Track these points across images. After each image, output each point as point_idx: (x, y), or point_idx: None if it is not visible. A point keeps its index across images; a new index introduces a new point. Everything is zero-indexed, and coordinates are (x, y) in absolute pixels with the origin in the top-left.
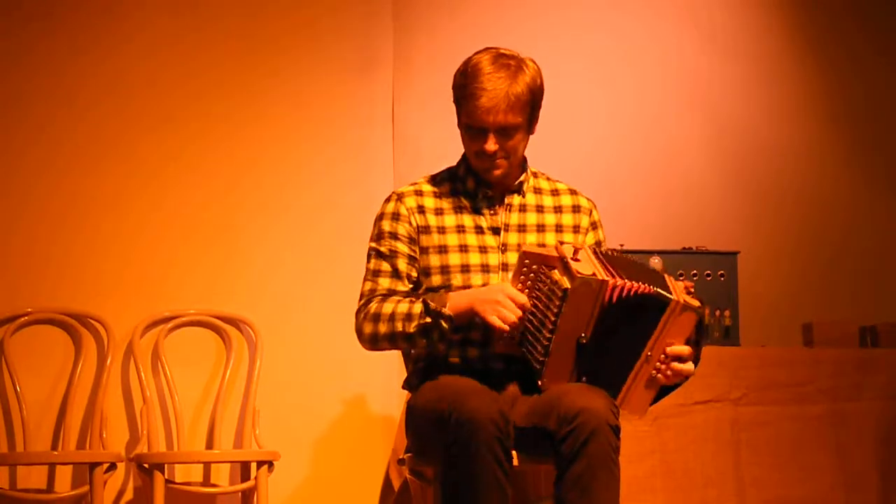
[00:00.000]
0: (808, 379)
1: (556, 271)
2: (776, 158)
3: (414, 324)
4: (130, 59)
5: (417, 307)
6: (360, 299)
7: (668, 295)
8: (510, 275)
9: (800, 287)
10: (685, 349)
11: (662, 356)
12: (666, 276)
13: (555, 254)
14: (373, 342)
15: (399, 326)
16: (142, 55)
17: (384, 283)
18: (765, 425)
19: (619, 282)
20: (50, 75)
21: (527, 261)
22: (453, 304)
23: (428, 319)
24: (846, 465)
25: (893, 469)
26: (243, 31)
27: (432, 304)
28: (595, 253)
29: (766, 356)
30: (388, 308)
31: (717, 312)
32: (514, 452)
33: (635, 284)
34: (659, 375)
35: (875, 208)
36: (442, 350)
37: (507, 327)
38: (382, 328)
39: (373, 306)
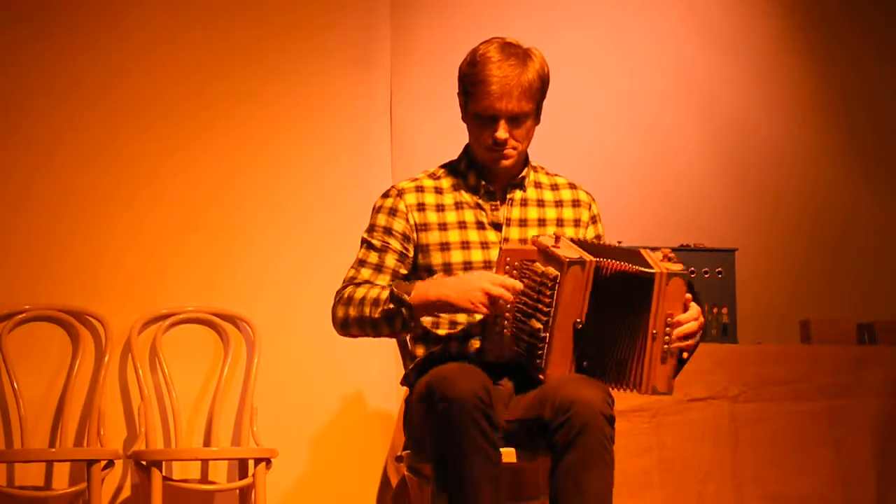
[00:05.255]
0: (806, 376)
1: (538, 263)
2: (774, 155)
3: (379, 309)
4: (127, 56)
5: (385, 293)
6: (341, 284)
7: (650, 269)
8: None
9: (798, 284)
10: (691, 314)
11: (668, 329)
12: (641, 250)
13: (534, 247)
14: (343, 326)
15: (366, 311)
16: (138, 52)
17: (365, 273)
18: (763, 422)
19: (605, 261)
20: (46, 73)
21: (507, 258)
22: (417, 292)
23: (391, 306)
24: (844, 462)
25: (891, 465)
26: (240, 27)
27: (396, 291)
28: (572, 240)
29: (763, 353)
30: (359, 293)
31: (715, 309)
32: (513, 450)
33: (618, 263)
34: (673, 348)
35: (873, 205)
36: (408, 335)
37: (484, 309)
38: (352, 312)
39: (347, 291)
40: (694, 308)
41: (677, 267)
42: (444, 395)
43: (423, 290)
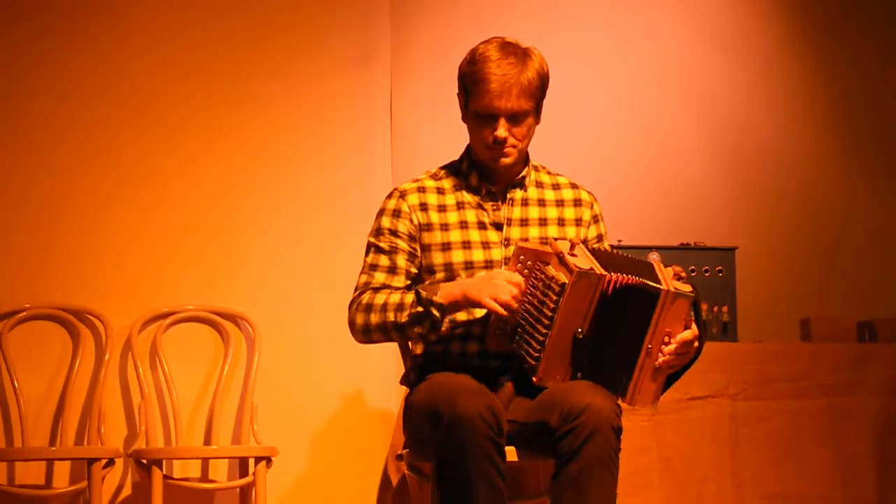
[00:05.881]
0: (806, 374)
1: (550, 266)
2: (774, 154)
3: (406, 313)
4: (128, 55)
5: (409, 297)
6: (355, 291)
7: (657, 286)
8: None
9: (798, 282)
10: (687, 334)
11: (663, 346)
12: (655, 263)
13: (550, 249)
14: (365, 333)
15: (391, 317)
16: (138, 52)
17: (380, 277)
18: (763, 420)
19: (615, 276)
20: (47, 72)
21: (521, 256)
22: (445, 292)
23: (419, 309)
24: (844, 460)
25: (891, 464)
26: (241, 26)
27: (424, 294)
28: (590, 249)
29: (764, 351)
30: (380, 299)
31: (715, 308)
32: (514, 448)
33: (627, 277)
34: (662, 364)
35: (873, 203)
36: (433, 339)
37: (503, 311)
38: (374, 318)
39: (365, 297)
40: (689, 332)
41: (686, 288)
42: (452, 417)
43: (449, 291)
